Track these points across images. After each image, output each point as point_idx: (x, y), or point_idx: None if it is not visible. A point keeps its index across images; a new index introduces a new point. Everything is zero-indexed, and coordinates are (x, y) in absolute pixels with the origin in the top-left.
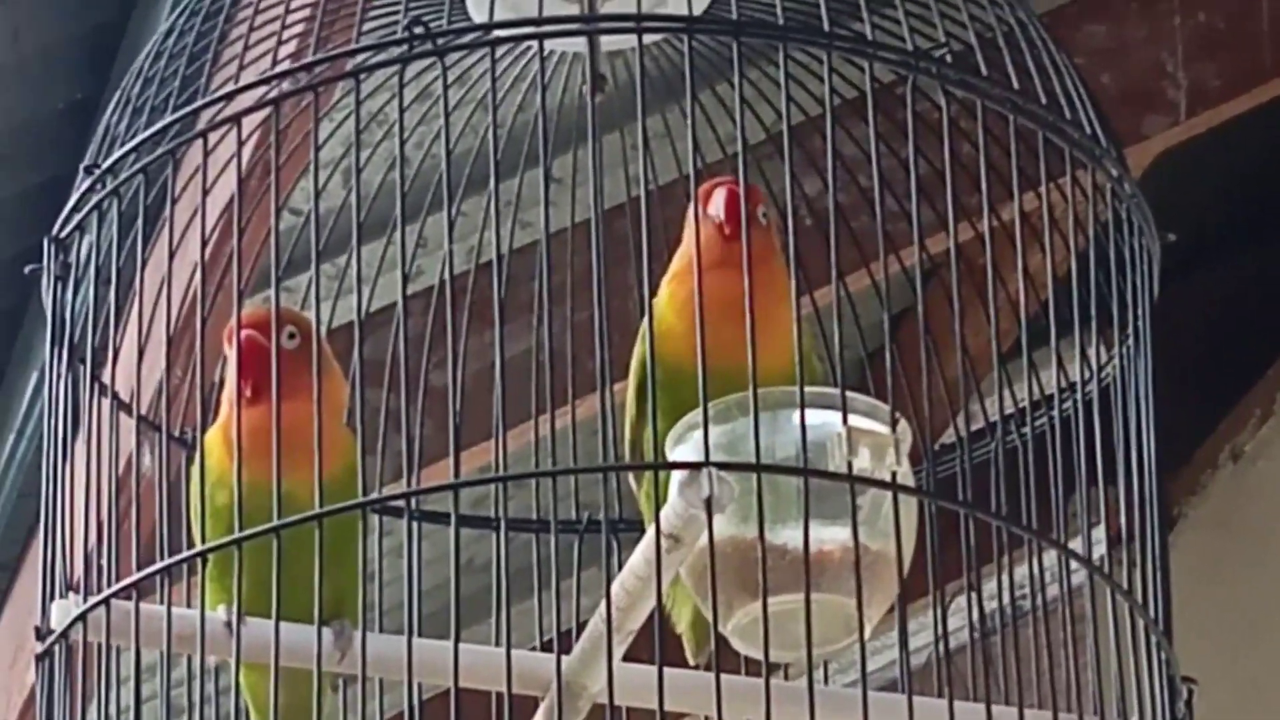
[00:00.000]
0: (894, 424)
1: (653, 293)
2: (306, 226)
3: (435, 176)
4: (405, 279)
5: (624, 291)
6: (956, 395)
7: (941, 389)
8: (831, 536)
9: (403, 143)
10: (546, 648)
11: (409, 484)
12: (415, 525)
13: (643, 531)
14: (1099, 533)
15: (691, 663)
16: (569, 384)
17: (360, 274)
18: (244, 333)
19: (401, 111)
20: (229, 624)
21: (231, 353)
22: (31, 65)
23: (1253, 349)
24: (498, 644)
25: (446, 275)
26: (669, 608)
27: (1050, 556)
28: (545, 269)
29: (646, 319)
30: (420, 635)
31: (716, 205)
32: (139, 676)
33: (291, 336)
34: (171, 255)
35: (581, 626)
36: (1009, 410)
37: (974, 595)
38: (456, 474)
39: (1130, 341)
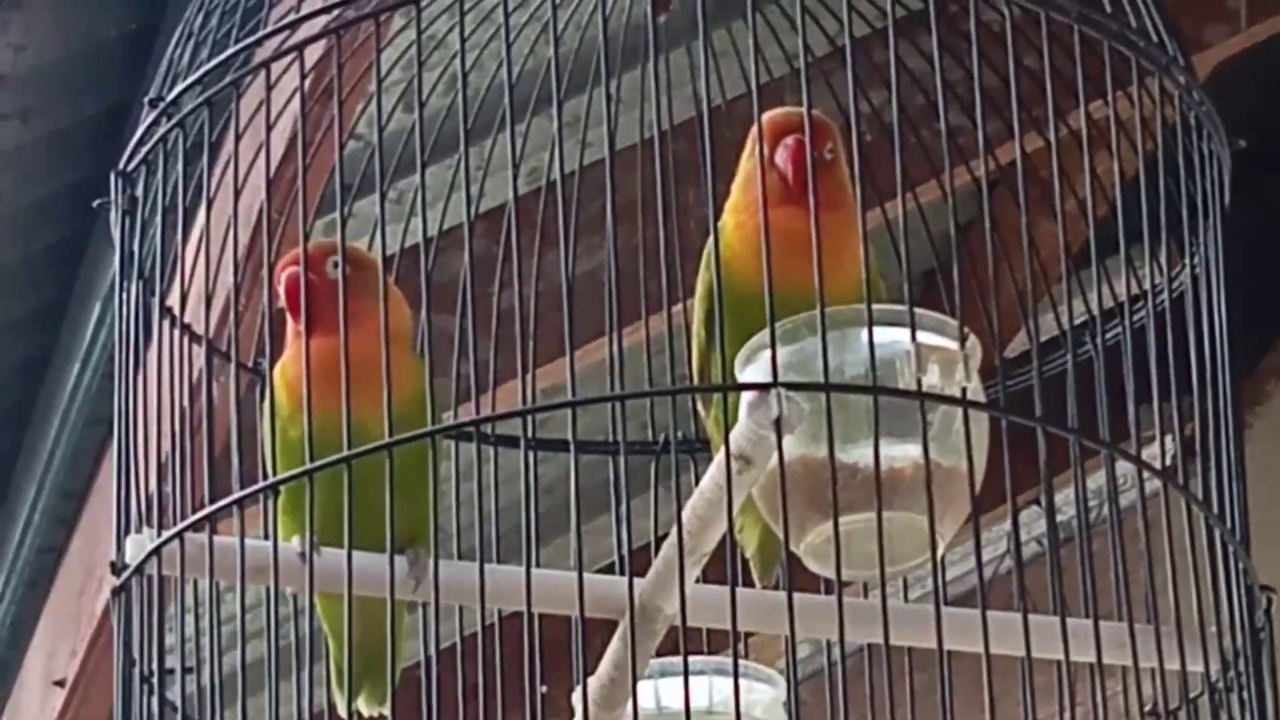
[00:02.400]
0: (963, 340)
1: (716, 215)
2: (370, 152)
3: (500, 97)
4: (471, 203)
5: (687, 211)
6: (1027, 306)
7: (1013, 300)
8: (902, 454)
9: (465, 74)
10: (622, 565)
11: (479, 409)
12: (488, 450)
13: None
14: (1173, 443)
15: (759, 585)
16: (641, 303)
17: (425, 198)
18: (287, 270)
19: (463, 40)
20: (303, 554)
21: (280, 290)
22: None
23: None
24: (572, 566)
25: (511, 196)
26: (737, 531)
27: (1123, 467)
28: (611, 188)
29: (712, 243)
30: (496, 555)
31: (782, 159)
32: (215, 608)
33: (335, 266)
34: (238, 187)
35: (658, 543)
36: (1080, 319)
37: (1049, 507)
38: (526, 400)
39: (1203, 249)
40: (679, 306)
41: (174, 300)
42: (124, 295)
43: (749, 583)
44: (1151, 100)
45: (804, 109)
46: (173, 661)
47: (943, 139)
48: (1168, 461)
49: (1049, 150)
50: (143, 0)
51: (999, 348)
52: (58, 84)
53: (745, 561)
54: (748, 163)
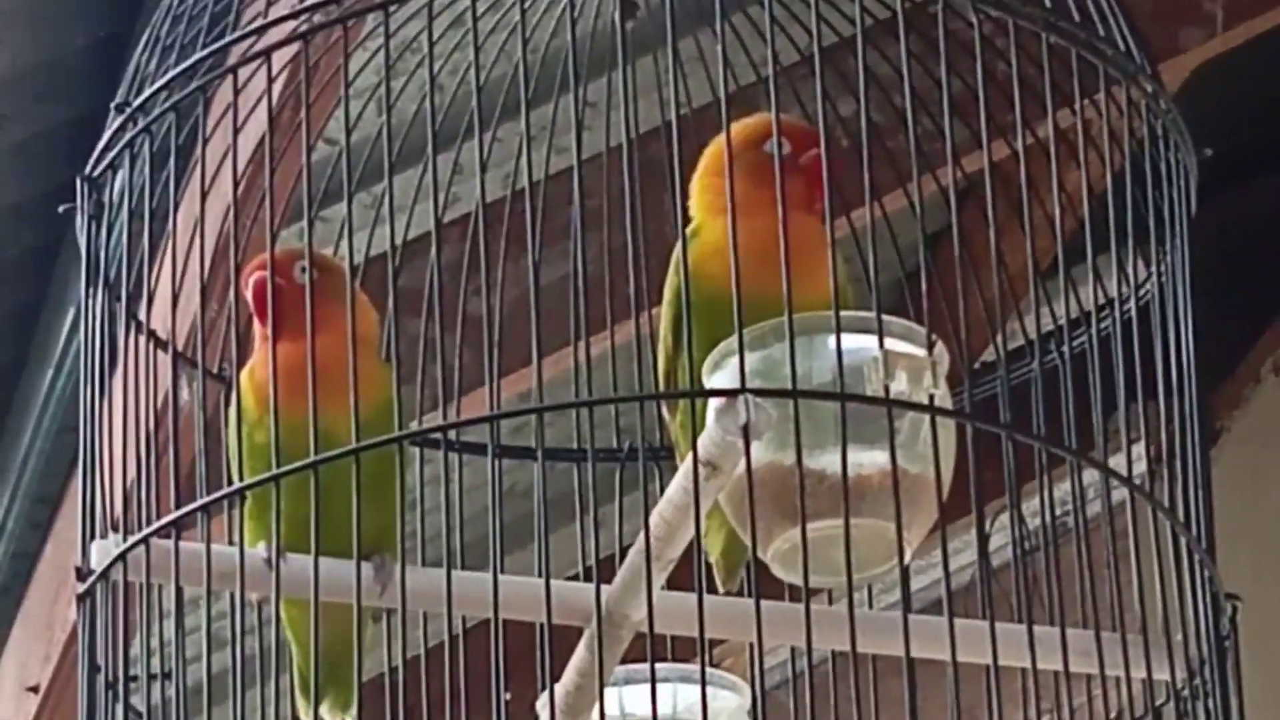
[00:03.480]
0: (930, 346)
1: (686, 219)
2: (341, 156)
3: (470, 103)
4: (439, 208)
5: (660, 216)
6: (995, 315)
7: (980, 309)
8: (870, 461)
9: (433, 76)
10: (588, 574)
11: (446, 416)
12: (454, 457)
13: (681, 460)
14: (1140, 450)
15: (722, 590)
16: (607, 310)
17: (393, 203)
18: (254, 275)
19: (431, 45)
20: (269, 560)
21: (248, 295)
22: (60, 1)
23: None
24: (539, 574)
25: (480, 202)
26: (701, 535)
27: (1092, 474)
28: (579, 196)
29: (680, 246)
30: (461, 562)
31: (798, 167)
32: (180, 613)
33: (303, 271)
34: (204, 191)
35: (623, 552)
36: (1048, 329)
37: (1016, 515)
38: (494, 406)
39: (1169, 257)
40: (648, 314)
41: (141, 306)
42: (90, 301)
43: (714, 589)
44: (1119, 109)
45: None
46: (140, 669)
47: (910, 148)
48: (1135, 469)
49: (1018, 162)
50: (115, 7)
51: (968, 357)
52: (30, 90)
53: (709, 566)
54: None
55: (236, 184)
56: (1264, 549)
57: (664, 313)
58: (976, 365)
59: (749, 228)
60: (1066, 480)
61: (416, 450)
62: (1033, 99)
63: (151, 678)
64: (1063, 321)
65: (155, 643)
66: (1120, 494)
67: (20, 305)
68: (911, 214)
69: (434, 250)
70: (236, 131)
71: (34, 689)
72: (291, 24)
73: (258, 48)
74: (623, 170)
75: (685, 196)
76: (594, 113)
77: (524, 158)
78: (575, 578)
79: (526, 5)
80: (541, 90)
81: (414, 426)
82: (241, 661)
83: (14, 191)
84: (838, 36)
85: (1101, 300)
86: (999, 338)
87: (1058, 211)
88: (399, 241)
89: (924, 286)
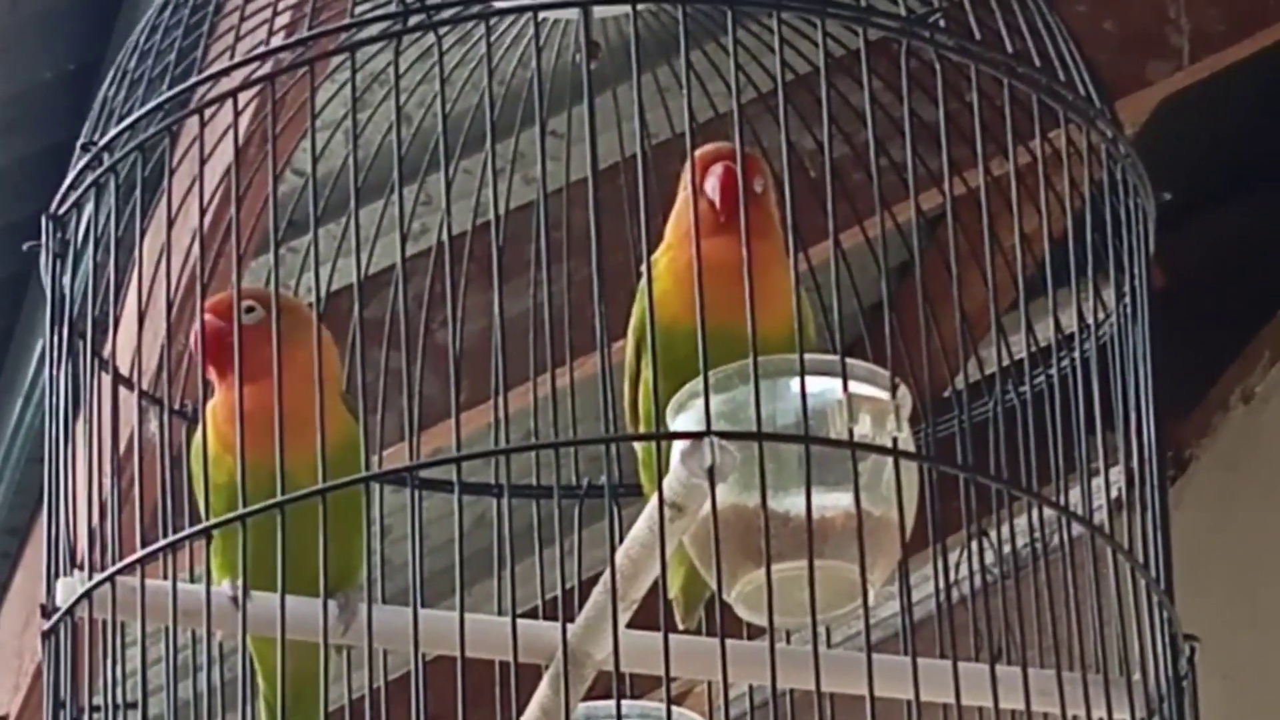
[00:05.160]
0: (894, 389)
1: (650, 252)
2: (308, 189)
3: (436, 135)
4: (404, 239)
5: (624, 249)
6: (955, 354)
7: (940, 347)
8: (833, 503)
9: (399, 109)
10: (550, 608)
11: (411, 455)
12: (417, 496)
13: (644, 497)
14: (1100, 487)
15: (681, 626)
16: (567, 344)
17: (359, 236)
18: (203, 319)
19: (397, 79)
20: (234, 599)
21: (194, 341)
22: (29, 32)
23: (1264, 290)
24: (501, 610)
25: (445, 236)
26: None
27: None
28: (544, 229)
29: (645, 280)
30: (423, 594)
31: (712, 186)
32: (144, 650)
33: (250, 310)
34: (170, 227)
35: (586, 585)
36: (1007, 367)
37: (975, 551)
38: (458, 446)
39: (1127, 300)
40: (619, 343)
41: (106, 344)
42: (54, 339)
43: (674, 627)
44: (1079, 154)
45: (735, 144)
46: (103, 700)
47: (874, 186)
48: (1096, 504)
49: (977, 204)
50: (84, 39)
51: (929, 393)
52: None
53: (669, 602)
54: (680, 199)
55: (202, 218)
56: (1232, 575)
57: (628, 341)
58: (941, 398)
59: (706, 253)
60: (1026, 516)
61: (378, 488)
62: (993, 142)
63: (115, 708)
64: (1023, 358)
65: (119, 673)
66: (1081, 529)
67: None
68: (869, 250)
69: (399, 281)
70: (202, 168)
71: (3, 718)
72: (255, 65)
73: (223, 89)
74: (586, 204)
75: (649, 230)
76: (558, 145)
77: (489, 190)
78: (534, 611)
79: (492, 39)
80: (507, 122)
81: (377, 460)
82: (207, 692)
83: None
84: (795, 75)
85: (1061, 339)
86: (959, 378)
87: (1018, 255)
88: (364, 274)
89: (886, 327)
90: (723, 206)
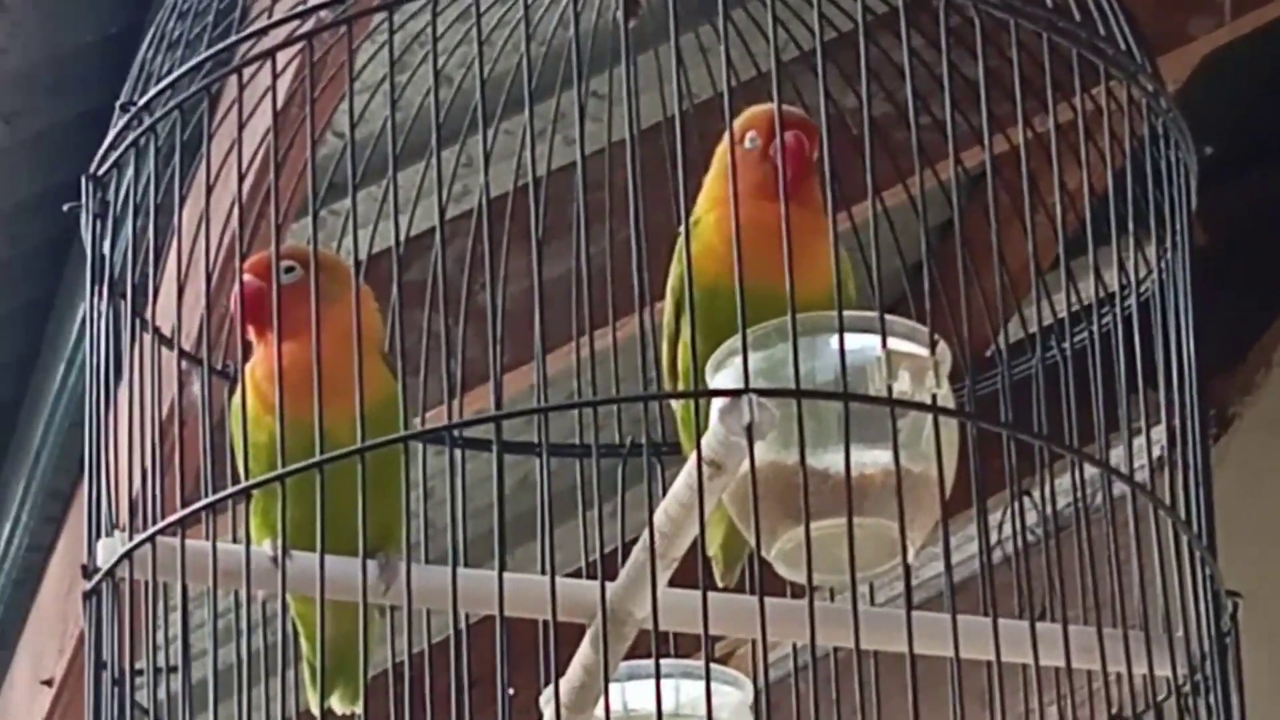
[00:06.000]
0: (933, 346)
1: (689, 212)
2: (347, 150)
3: (477, 96)
4: (444, 201)
5: (665, 208)
6: (997, 311)
7: (981, 304)
8: (873, 460)
9: (437, 71)
10: (593, 570)
11: (450, 414)
12: (458, 454)
13: (684, 456)
14: (1142, 444)
15: (720, 585)
16: (610, 305)
17: (398, 198)
18: (241, 280)
19: (435, 40)
20: (274, 559)
21: (233, 302)
22: None
23: None
24: (543, 571)
25: (485, 199)
26: None
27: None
28: (583, 190)
29: (683, 239)
30: (466, 556)
31: (777, 152)
32: (186, 612)
33: (289, 270)
34: (210, 189)
35: (627, 547)
36: (1049, 325)
37: (1017, 511)
38: (498, 405)
39: (1169, 254)
40: (651, 308)
41: (147, 304)
42: (95, 300)
43: (714, 585)
44: (1120, 108)
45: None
46: (145, 664)
47: (913, 143)
48: (1138, 463)
49: (1018, 159)
50: (123, 4)
51: (969, 352)
52: (41, 86)
53: (708, 561)
54: (720, 155)
55: (241, 180)
56: (1273, 532)
57: (667, 301)
58: (988, 353)
59: (760, 215)
60: (1069, 474)
61: (420, 447)
62: (1035, 97)
63: (157, 672)
64: (1064, 317)
65: (161, 638)
66: (1122, 488)
67: (33, 300)
68: (912, 208)
69: (438, 243)
70: (241, 129)
71: (48, 682)
72: (295, 23)
73: (262, 47)
74: (626, 164)
75: (689, 190)
76: (599, 105)
77: (529, 151)
78: (578, 573)
79: (530, 1)
80: (548, 83)
81: (418, 421)
82: (248, 656)
83: (27, 186)
84: (837, 32)
85: (1103, 296)
86: (1000, 336)
87: (1059, 210)
88: (406, 236)
89: (925, 284)
90: (792, 179)
